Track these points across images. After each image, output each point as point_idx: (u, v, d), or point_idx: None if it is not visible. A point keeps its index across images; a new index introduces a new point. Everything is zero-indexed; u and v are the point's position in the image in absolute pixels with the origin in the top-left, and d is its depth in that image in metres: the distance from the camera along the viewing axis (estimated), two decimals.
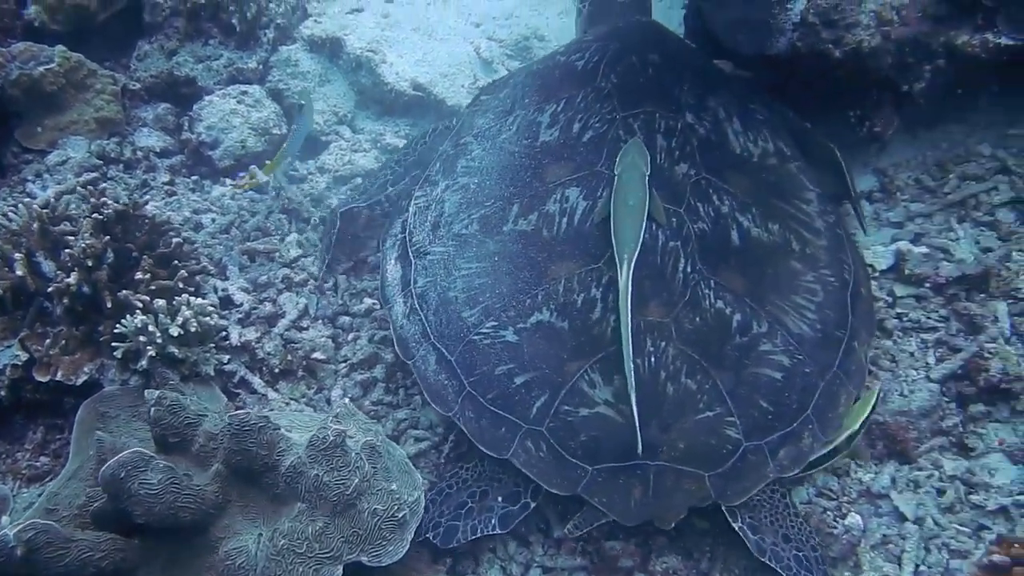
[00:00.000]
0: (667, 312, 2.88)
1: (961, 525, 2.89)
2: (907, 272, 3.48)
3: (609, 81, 3.49)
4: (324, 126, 4.75)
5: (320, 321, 3.69)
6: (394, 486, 2.57)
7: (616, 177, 3.07)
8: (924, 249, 3.55)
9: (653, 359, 2.79)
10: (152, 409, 2.56)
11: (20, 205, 3.31)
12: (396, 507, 2.52)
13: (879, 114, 3.74)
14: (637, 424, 2.66)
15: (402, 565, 2.56)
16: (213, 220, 4.09)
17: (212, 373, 3.25)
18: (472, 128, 3.60)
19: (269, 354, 3.47)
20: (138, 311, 3.07)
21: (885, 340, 3.37)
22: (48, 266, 3.19)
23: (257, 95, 4.60)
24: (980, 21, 3.44)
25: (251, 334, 3.48)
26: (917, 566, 2.81)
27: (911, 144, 4.03)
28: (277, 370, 3.46)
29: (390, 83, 4.82)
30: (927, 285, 3.45)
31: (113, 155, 4.33)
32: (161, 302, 3.10)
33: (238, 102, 4.51)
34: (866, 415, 2.97)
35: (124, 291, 3.11)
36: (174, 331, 3.07)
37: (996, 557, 2.65)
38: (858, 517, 2.90)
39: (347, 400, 3.16)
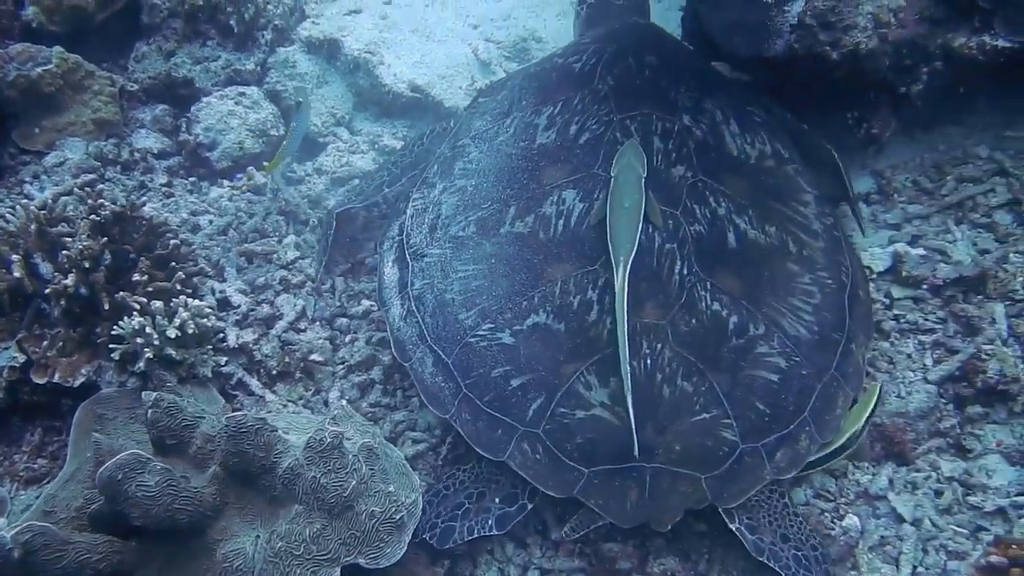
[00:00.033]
0: (663, 314, 2.87)
1: (959, 526, 2.89)
2: (904, 274, 3.48)
3: (606, 83, 3.49)
4: (322, 128, 4.76)
5: (318, 323, 3.69)
6: (392, 488, 2.57)
7: (612, 179, 3.07)
8: (921, 251, 3.55)
9: (649, 361, 2.79)
10: (149, 411, 2.56)
11: (18, 206, 3.31)
12: (394, 509, 2.52)
13: (876, 116, 3.74)
14: (633, 426, 2.66)
15: (400, 567, 2.56)
16: (211, 222, 4.10)
17: (210, 375, 3.26)
18: (469, 130, 3.60)
19: (267, 356, 3.47)
20: (136, 313, 3.07)
21: (882, 342, 3.36)
22: (46, 268, 3.19)
23: (255, 96, 4.60)
24: (977, 23, 3.44)
25: (249, 336, 3.48)
26: (915, 567, 2.81)
27: (908, 146, 4.03)
28: (275, 372, 3.46)
29: (388, 85, 4.82)
30: (924, 287, 3.45)
31: (111, 156, 4.33)
32: (159, 304, 3.11)
33: (236, 103, 4.51)
34: (869, 412, 2.97)
35: (122, 293, 3.11)
36: (172, 333, 3.07)
37: (994, 558, 2.64)
38: (856, 518, 2.90)
39: (345, 402, 3.15)
